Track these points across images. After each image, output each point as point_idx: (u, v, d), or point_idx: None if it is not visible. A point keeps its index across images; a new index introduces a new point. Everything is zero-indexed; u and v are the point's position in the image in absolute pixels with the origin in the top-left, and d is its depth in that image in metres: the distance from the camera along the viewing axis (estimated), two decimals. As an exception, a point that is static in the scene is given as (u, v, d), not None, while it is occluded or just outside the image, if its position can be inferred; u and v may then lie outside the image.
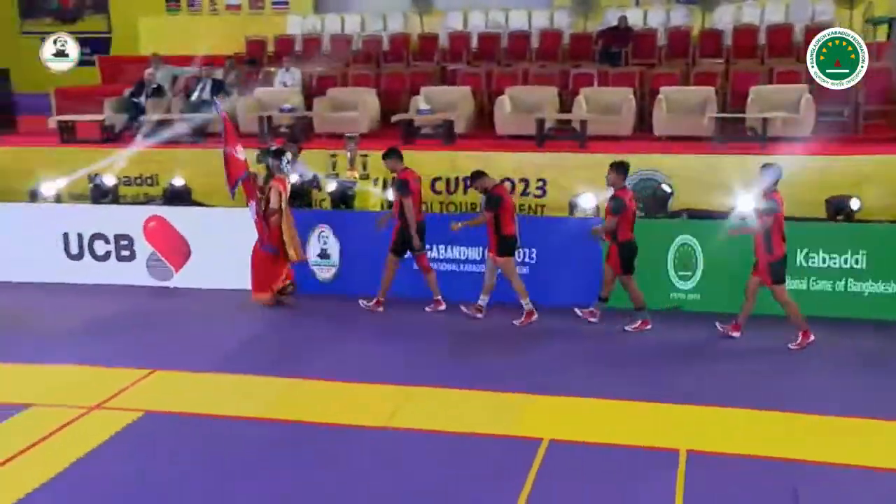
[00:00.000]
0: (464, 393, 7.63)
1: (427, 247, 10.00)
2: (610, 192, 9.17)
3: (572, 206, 10.85)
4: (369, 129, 13.89)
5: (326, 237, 10.55)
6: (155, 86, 15.10)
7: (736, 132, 12.93)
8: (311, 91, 15.33)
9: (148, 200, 12.47)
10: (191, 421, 7.16)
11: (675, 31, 16.54)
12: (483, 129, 14.10)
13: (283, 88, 15.10)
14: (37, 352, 8.65)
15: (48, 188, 11.99)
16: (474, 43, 17.14)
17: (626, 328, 9.22)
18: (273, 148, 10.58)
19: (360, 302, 9.95)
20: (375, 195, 11.57)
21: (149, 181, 13.17)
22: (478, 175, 9.65)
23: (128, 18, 20.78)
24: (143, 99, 14.79)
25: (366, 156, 11.74)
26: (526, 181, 12.04)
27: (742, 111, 13.00)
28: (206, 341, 9.17)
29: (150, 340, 9.13)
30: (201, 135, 13.75)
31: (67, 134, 14.10)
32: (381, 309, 9.90)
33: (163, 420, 7.17)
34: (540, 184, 12.01)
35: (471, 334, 9.30)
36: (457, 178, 12.21)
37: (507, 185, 11.75)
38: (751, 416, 7.11)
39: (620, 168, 9.17)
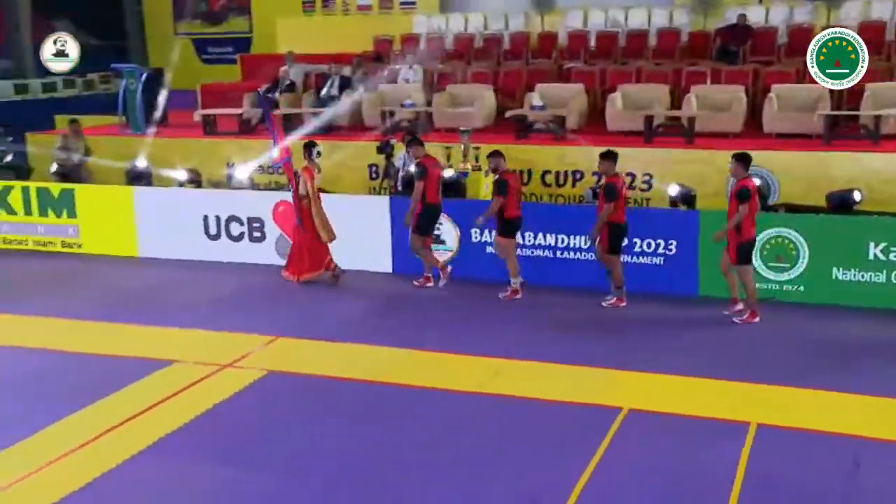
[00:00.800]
0: (553, 366, 8.21)
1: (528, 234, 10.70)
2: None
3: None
4: (485, 124, 14.52)
5: (440, 223, 11.21)
6: (288, 82, 16.14)
7: (848, 130, 12.90)
8: (433, 87, 16.08)
9: (278, 187, 13.45)
10: (306, 380, 8.07)
11: (796, 28, 16.45)
12: (594, 126, 14.51)
13: (405, 85, 15.88)
14: (179, 318, 9.78)
15: (185, 175, 13.23)
16: (592, 42, 17.52)
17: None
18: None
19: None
20: (486, 185, 12.22)
21: (280, 170, 14.22)
22: (496, 154, 10.33)
23: (267, 19, 22.16)
24: (277, 94, 15.85)
25: (478, 148, 12.40)
26: (632, 175, 12.42)
27: (857, 109, 12.92)
28: (324, 314, 10.06)
29: (275, 312, 10.11)
30: (328, 128, 14.73)
31: (209, 127, 15.23)
32: (445, 279, 10.76)
33: (283, 379, 8.11)
34: (646, 178, 12.39)
35: (566, 316, 9.81)
36: (565, 172, 12.75)
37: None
38: (821, 396, 7.45)
39: (610, 157, 9.87)
